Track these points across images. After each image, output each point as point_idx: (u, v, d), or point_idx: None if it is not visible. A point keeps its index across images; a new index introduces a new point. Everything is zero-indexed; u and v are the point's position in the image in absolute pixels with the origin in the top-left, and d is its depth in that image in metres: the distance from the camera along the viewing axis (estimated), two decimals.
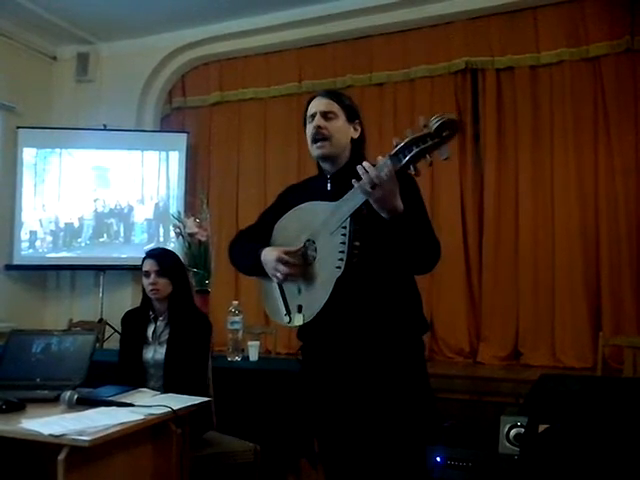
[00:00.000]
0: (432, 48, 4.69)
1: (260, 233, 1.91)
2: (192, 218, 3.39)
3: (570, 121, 4.28)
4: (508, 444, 3.02)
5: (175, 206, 4.99)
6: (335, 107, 1.82)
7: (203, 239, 3.33)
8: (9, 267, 5.05)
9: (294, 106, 5.13)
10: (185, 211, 4.17)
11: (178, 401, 2.00)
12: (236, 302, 3.25)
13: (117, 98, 5.38)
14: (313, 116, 1.82)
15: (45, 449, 1.65)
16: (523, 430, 2.87)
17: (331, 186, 1.82)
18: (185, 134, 5.29)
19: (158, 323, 2.47)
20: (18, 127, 5.10)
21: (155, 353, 2.43)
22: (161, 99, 5.55)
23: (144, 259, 2.50)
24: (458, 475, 3.02)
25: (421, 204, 1.78)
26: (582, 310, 4.13)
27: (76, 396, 1.90)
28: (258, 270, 1.82)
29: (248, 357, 3.20)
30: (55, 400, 1.96)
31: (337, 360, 1.76)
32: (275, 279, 1.77)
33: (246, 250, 1.90)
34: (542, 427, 2.42)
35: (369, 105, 4.66)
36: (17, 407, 1.91)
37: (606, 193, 4.16)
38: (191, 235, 3.32)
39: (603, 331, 3.70)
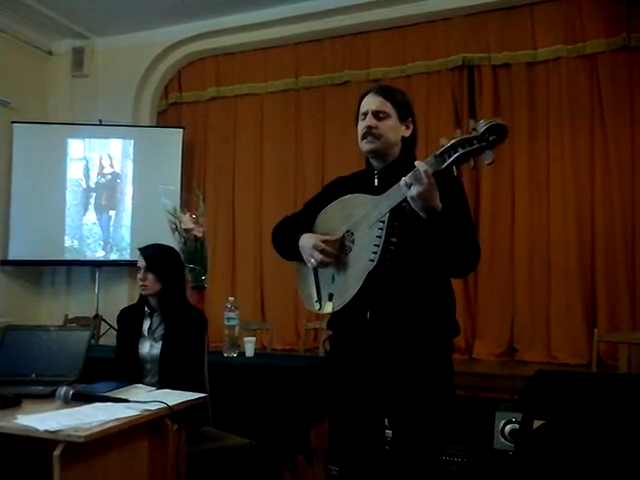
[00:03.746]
0: (429, 44, 4.68)
1: (303, 220, 1.94)
2: (188, 214, 3.37)
3: (566, 117, 4.28)
4: (503, 440, 3.04)
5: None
6: (388, 106, 1.81)
7: (199, 235, 3.32)
8: (4, 262, 5.03)
9: (291, 102, 5.14)
10: (181, 207, 4.16)
11: (174, 397, 2.00)
12: (232, 298, 3.25)
13: (113, 93, 5.36)
14: (365, 114, 1.81)
15: (41, 445, 1.65)
16: (518, 426, 2.88)
17: (378, 182, 1.82)
18: (181, 129, 5.27)
19: (153, 319, 2.48)
20: (13, 122, 5.07)
21: (151, 348, 2.43)
22: (157, 94, 5.53)
23: (139, 255, 2.52)
24: (454, 470, 3.04)
25: (464, 206, 1.78)
26: (577, 307, 4.14)
27: (72, 392, 1.90)
28: (296, 254, 1.85)
29: (244, 353, 3.20)
30: (51, 396, 1.96)
31: (364, 353, 1.76)
32: (309, 265, 1.79)
33: (287, 234, 1.92)
34: (537, 423, 2.44)
35: None
36: (12, 403, 1.91)
37: (602, 189, 4.17)
38: (187, 231, 3.31)
39: (598, 328, 3.72)
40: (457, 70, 4.61)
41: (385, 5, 4.64)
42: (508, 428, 3.03)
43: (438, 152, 1.51)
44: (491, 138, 1.44)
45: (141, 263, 2.47)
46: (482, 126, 1.45)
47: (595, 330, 3.50)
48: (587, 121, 4.24)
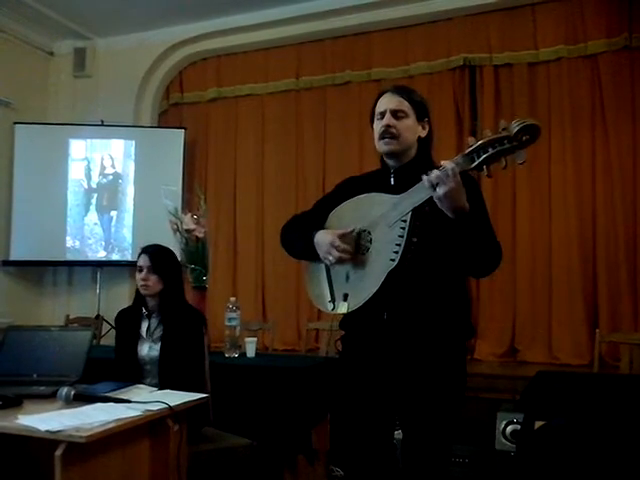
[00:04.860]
0: (430, 44, 4.68)
1: (314, 220, 1.91)
2: (189, 214, 3.37)
3: (568, 118, 4.28)
4: (504, 440, 3.03)
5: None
6: (405, 105, 1.80)
7: (201, 235, 3.32)
8: (6, 263, 5.04)
9: (291, 102, 5.14)
10: (182, 207, 4.15)
11: (175, 397, 2.00)
12: (233, 298, 3.25)
13: (114, 93, 5.36)
14: (382, 113, 1.80)
15: (42, 445, 1.65)
16: (519, 427, 2.87)
17: (395, 181, 1.81)
18: (182, 130, 5.27)
19: (152, 320, 2.47)
20: (15, 123, 5.08)
21: (150, 350, 2.43)
22: (158, 95, 5.53)
23: (139, 254, 2.51)
24: (455, 471, 3.04)
25: (483, 206, 1.77)
26: (579, 307, 4.13)
27: (73, 392, 1.90)
28: (309, 253, 1.83)
29: (245, 353, 3.20)
30: (52, 396, 1.95)
31: (380, 354, 1.75)
32: (327, 261, 1.77)
33: (299, 233, 1.90)
34: (538, 424, 2.43)
35: (367, 101, 4.64)
36: (14, 403, 1.91)
37: (603, 190, 4.17)
38: (188, 231, 3.31)
39: (600, 328, 3.71)
40: (458, 70, 4.60)
41: (386, 5, 4.64)
42: (509, 429, 3.03)
43: (466, 151, 1.51)
44: (524, 138, 1.44)
45: (145, 263, 2.45)
46: (515, 126, 1.43)
47: (597, 330, 3.50)
48: (588, 121, 4.24)
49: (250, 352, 3.20)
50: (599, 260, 4.14)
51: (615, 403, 2.39)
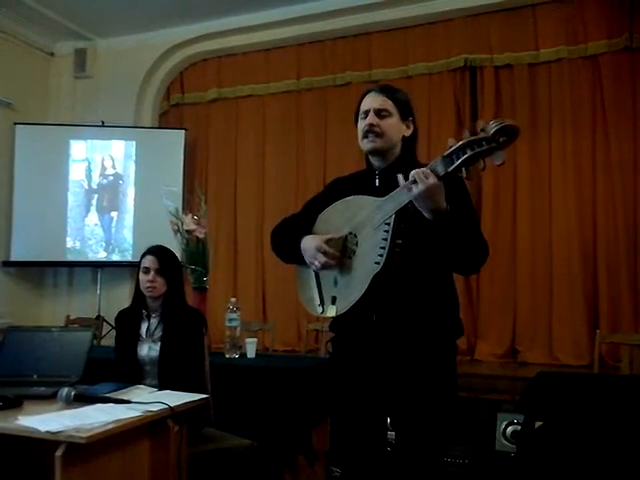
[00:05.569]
0: (431, 45, 4.69)
1: (303, 222, 1.92)
2: (190, 215, 3.37)
3: (568, 119, 4.28)
4: (505, 441, 3.03)
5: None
6: (389, 104, 1.80)
7: (201, 236, 3.32)
8: (7, 264, 5.04)
9: (292, 103, 5.14)
10: (183, 208, 4.16)
11: (175, 398, 2.01)
12: (234, 299, 3.25)
13: (115, 94, 5.37)
14: (366, 112, 1.80)
15: (42, 446, 1.65)
16: (519, 428, 2.88)
17: (379, 182, 1.81)
18: (183, 131, 5.28)
19: (151, 320, 2.47)
20: (15, 123, 5.09)
21: (150, 350, 2.43)
22: (159, 95, 5.54)
23: (144, 255, 2.50)
24: (455, 472, 3.04)
25: (469, 204, 1.77)
26: (579, 308, 4.13)
27: (73, 393, 1.90)
28: (297, 258, 1.83)
29: (245, 354, 3.20)
30: (52, 397, 1.96)
31: (370, 355, 1.76)
32: (313, 267, 1.78)
33: (287, 237, 1.90)
34: (538, 425, 2.43)
35: None
36: (14, 404, 1.91)
37: (604, 191, 4.17)
38: (189, 232, 3.31)
39: (600, 329, 3.71)
40: (459, 71, 4.61)
41: (387, 6, 4.65)
42: (510, 430, 3.03)
43: (446, 153, 1.50)
44: (501, 139, 1.43)
45: (152, 265, 2.44)
46: (492, 127, 1.42)
47: (597, 331, 3.50)
48: (589, 122, 4.24)
49: (250, 353, 3.20)
50: (599, 260, 4.14)
51: (615, 404, 2.39)
